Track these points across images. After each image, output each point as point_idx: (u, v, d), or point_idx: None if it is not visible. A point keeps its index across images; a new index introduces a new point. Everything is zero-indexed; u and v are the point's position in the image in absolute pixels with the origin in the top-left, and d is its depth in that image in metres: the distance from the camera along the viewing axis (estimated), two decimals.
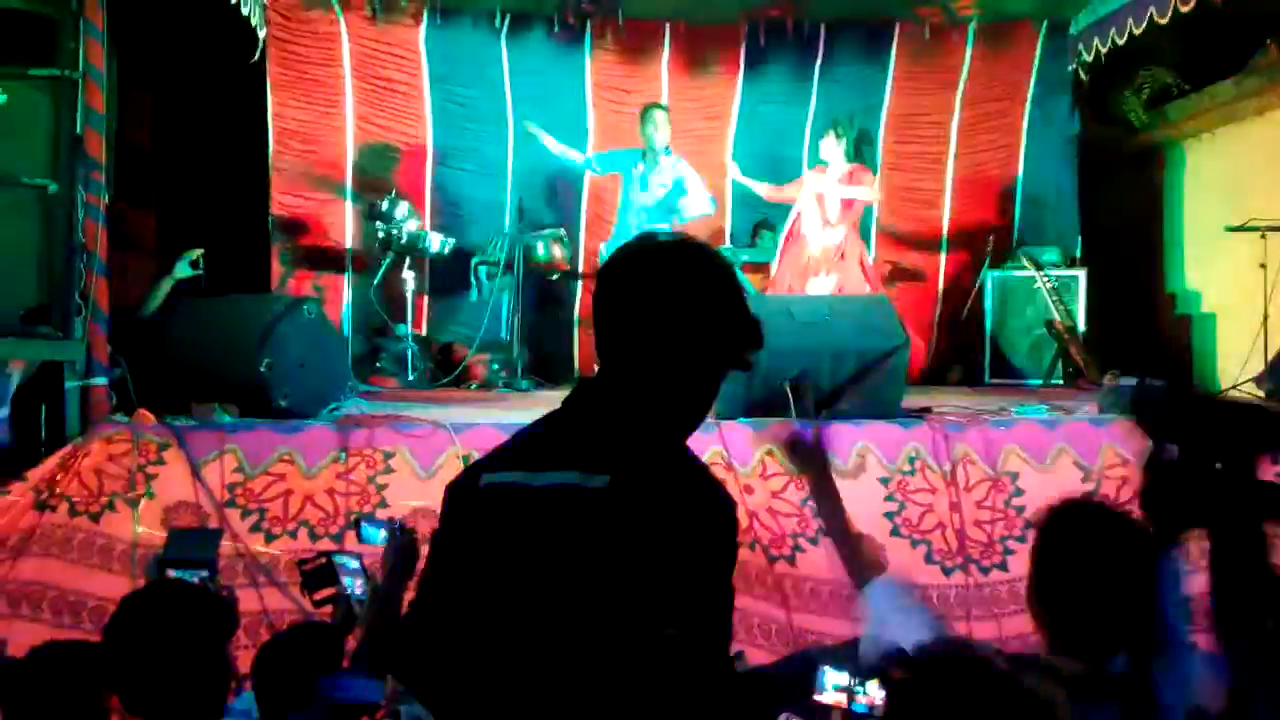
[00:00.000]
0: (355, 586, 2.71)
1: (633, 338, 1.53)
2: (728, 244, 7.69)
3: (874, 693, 1.70)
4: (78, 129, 4.34)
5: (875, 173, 7.47)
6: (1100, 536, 1.92)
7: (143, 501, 3.97)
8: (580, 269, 7.70)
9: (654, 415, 1.51)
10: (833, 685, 1.74)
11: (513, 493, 1.50)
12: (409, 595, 2.58)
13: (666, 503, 1.42)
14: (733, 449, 4.30)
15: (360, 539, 2.74)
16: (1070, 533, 1.95)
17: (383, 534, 2.63)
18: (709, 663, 1.41)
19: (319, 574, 2.80)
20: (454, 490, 1.62)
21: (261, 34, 6.89)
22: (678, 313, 1.51)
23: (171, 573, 2.68)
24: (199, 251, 5.48)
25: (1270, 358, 5.67)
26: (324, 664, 2.46)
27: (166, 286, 5.42)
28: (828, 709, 1.76)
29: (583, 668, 1.40)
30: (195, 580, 2.71)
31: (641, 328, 1.51)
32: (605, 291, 1.56)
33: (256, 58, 7.01)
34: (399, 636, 1.64)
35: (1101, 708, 1.82)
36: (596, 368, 1.62)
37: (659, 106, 6.87)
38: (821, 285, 6.45)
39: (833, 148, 6.58)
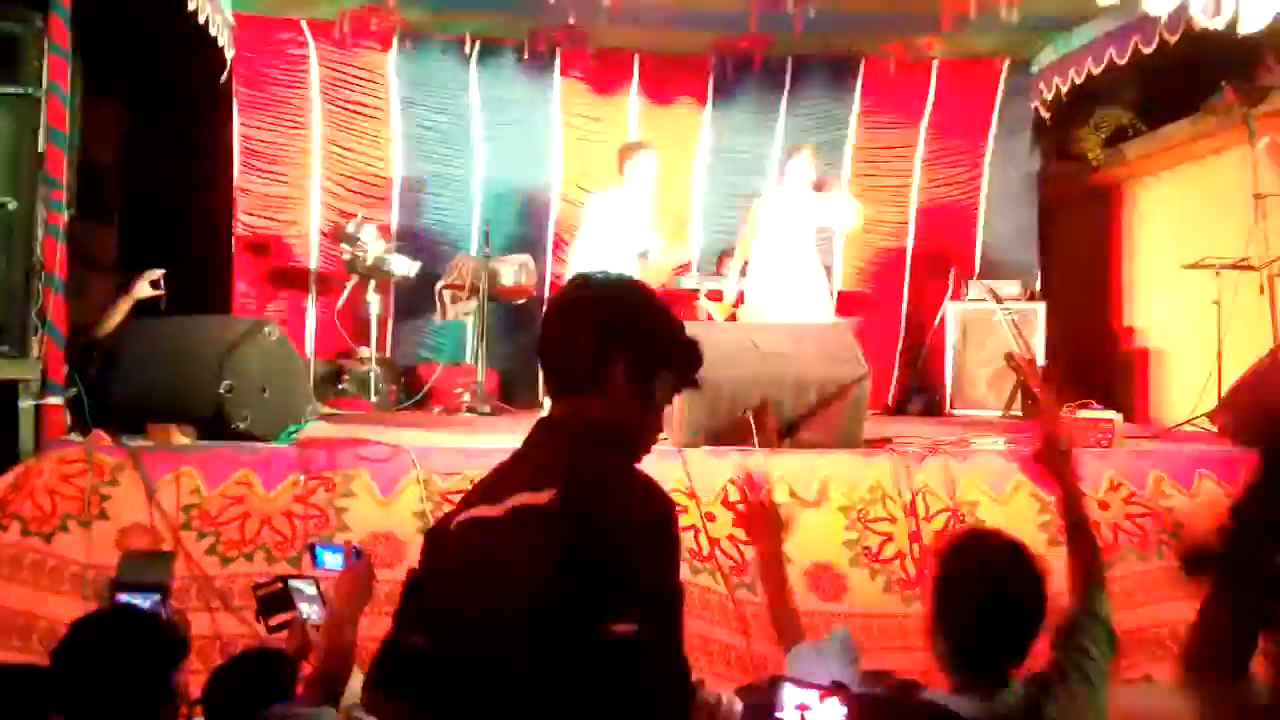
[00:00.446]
0: (311, 612, 2.68)
1: (576, 363, 1.67)
2: (693, 273, 7.72)
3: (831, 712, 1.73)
4: (39, 146, 4.31)
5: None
6: (990, 565, 2.03)
7: (96, 523, 3.91)
8: (546, 294, 7.71)
9: (593, 437, 1.64)
10: (793, 703, 1.77)
11: (477, 524, 1.63)
12: (364, 620, 2.58)
13: (605, 508, 1.54)
14: (695, 477, 4.31)
15: (315, 564, 2.71)
16: (963, 562, 2.06)
17: (339, 559, 2.60)
18: (661, 657, 1.53)
19: (274, 599, 2.77)
20: (431, 534, 1.79)
21: (229, 54, 6.87)
22: (616, 334, 1.66)
23: (123, 596, 2.64)
24: (160, 271, 5.43)
25: (1223, 393, 5.77)
26: (275, 690, 2.43)
27: (126, 305, 5.35)
28: None
29: (546, 671, 1.50)
30: (148, 604, 2.67)
31: (583, 352, 1.66)
32: (551, 325, 1.72)
33: (224, 78, 6.99)
34: (398, 668, 1.72)
35: None
36: (556, 397, 1.74)
37: None
38: (790, 311, 6.38)
39: (804, 168, 6.41)
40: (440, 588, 1.68)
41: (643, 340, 1.68)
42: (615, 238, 6.16)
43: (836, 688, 1.77)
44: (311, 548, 2.76)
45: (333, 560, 2.62)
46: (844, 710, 1.73)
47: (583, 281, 1.78)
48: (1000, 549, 2.05)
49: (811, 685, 1.78)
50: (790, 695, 1.77)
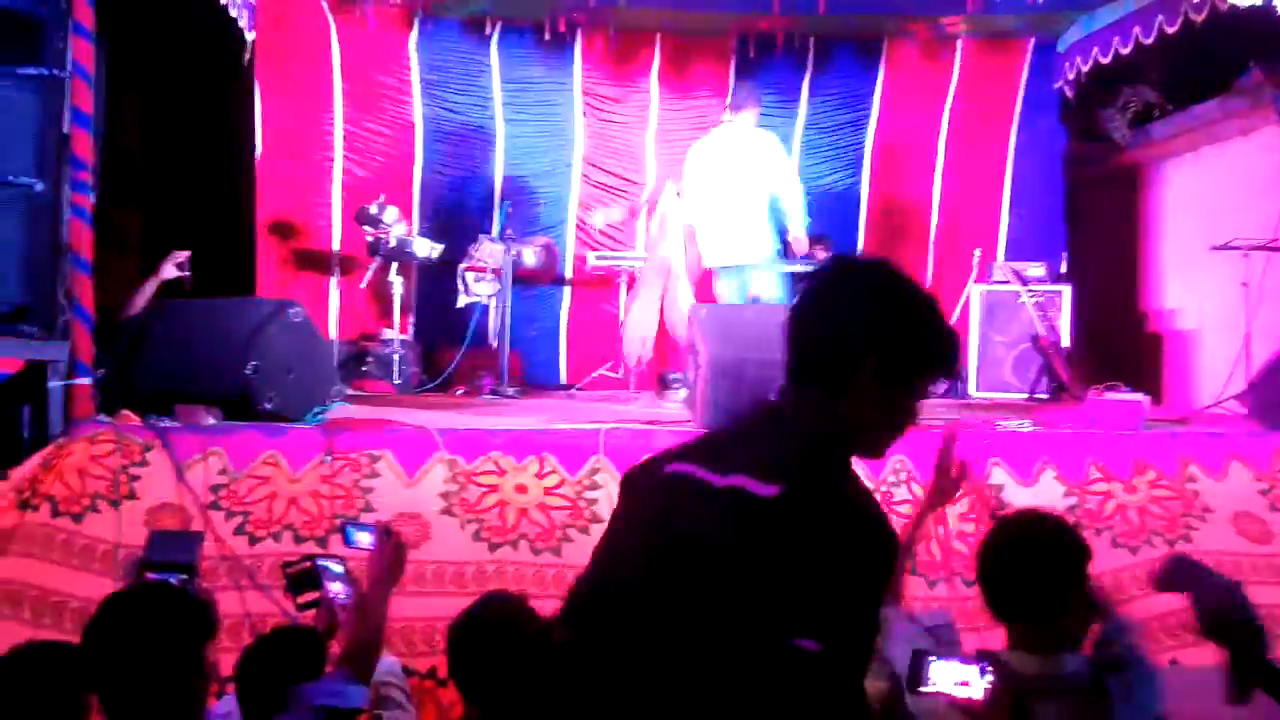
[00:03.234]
0: (340, 591, 2.70)
1: (821, 355, 1.57)
2: None
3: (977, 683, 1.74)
4: (65, 129, 4.32)
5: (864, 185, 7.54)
6: (1040, 536, 2.12)
7: (125, 503, 3.94)
8: (568, 276, 7.71)
9: (832, 433, 1.55)
10: (950, 680, 1.77)
11: (691, 483, 1.55)
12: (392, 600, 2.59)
13: (830, 521, 1.44)
14: None
15: (346, 542, 2.73)
16: (1015, 533, 2.16)
17: (370, 538, 2.62)
18: (840, 683, 1.44)
19: (303, 577, 2.79)
20: (633, 473, 1.69)
21: (250, 37, 6.88)
22: (868, 334, 1.55)
23: (152, 576, 2.66)
24: (185, 253, 5.46)
25: (1251, 376, 5.72)
26: (306, 667, 2.45)
27: (152, 287, 5.40)
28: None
29: (717, 664, 1.43)
30: (176, 584, 2.69)
31: (830, 347, 1.56)
32: (801, 310, 1.61)
33: (246, 60, 7.00)
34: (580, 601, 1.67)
35: (1048, 704, 1.87)
36: (792, 384, 1.63)
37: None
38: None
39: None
40: (640, 532, 1.60)
41: (898, 342, 1.56)
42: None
43: (986, 658, 1.76)
44: (343, 527, 2.78)
45: (364, 540, 2.64)
46: (992, 682, 1.71)
47: (845, 266, 1.67)
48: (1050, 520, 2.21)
49: (966, 659, 1.77)
50: (942, 670, 1.75)
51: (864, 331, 1.55)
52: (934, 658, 1.77)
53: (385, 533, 2.60)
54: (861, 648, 1.47)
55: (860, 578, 1.44)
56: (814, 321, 1.59)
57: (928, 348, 1.59)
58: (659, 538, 1.54)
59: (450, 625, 2.49)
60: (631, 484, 1.68)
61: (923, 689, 1.75)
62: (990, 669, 1.72)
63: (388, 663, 2.62)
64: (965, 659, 1.77)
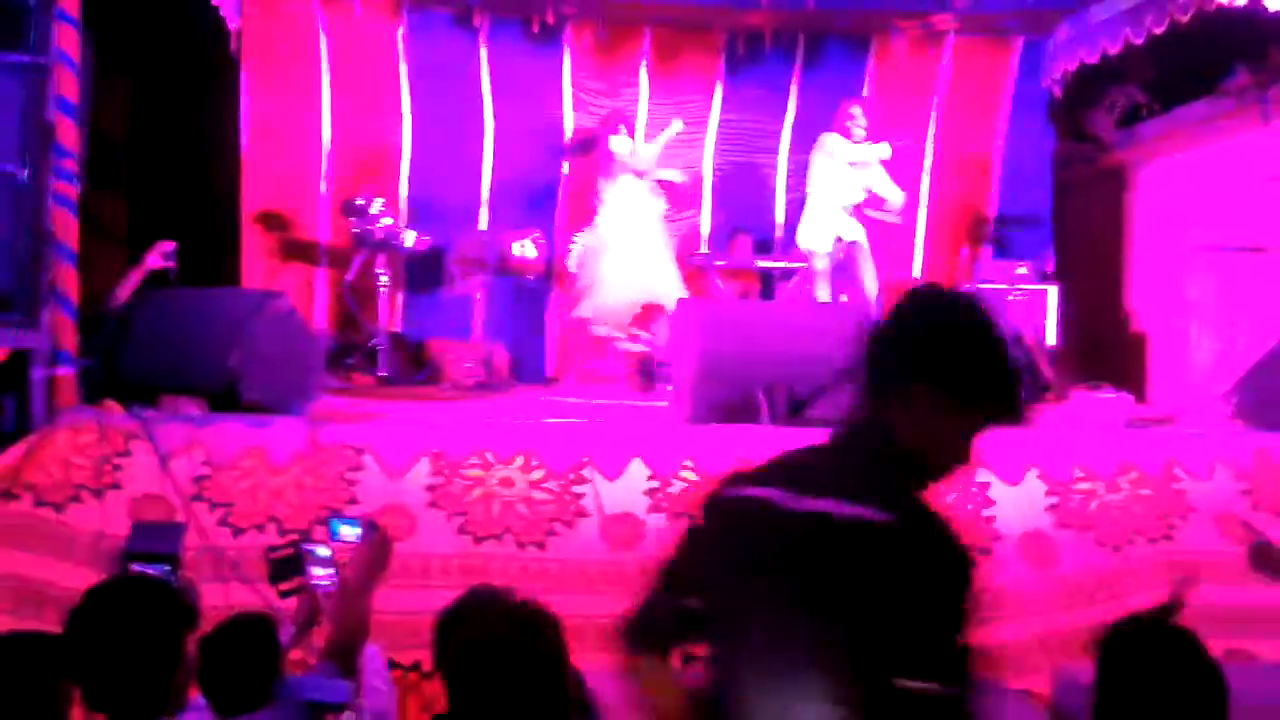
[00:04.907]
0: (323, 577, 2.68)
1: (882, 379, 1.58)
2: (703, 249, 7.71)
3: None
4: (49, 116, 4.29)
5: None
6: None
7: (108, 493, 3.92)
8: (555, 270, 7.70)
9: (916, 460, 1.54)
10: None
11: (774, 509, 1.54)
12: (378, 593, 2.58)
13: (933, 550, 1.44)
14: (704, 454, 4.31)
15: (331, 536, 2.71)
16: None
17: (356, 531, 2.61)
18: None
19: (286, 564, 2.77)
20: (713, 496, 1.69)
21: (234, 26, 6.83)
22: (922, 363, 1.55)
23: (134, 566, 2.65)
24: (171, 243, 5.43)
25: (1237, 376, 5.75)
26: (264, 654, 2.44)
27: (137, 277, 5.36)
28: None
29: (818, 695, 1.42)
30: (158, 574, 2.67)
31: (921, 376, 1.54)
32: (875, 332, 1.61)
33: (232, 50, 6.96)
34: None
35: None
36: (863, 405, 1.63)
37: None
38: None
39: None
40: (720, 555, 1.60)
41: (951, 375, 1.54)
42: None
43: None
44: (328, 521, 2.76)
45: (349, 533, 2.62)
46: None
47: (922, 294, 1.65)
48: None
49: None
50: None
51: (918, 360, 1.55)
52: None
53: (371, 526, 2.59)
54: (965, 684, 1.44)
55: (955, 608, 1.43)
56: (880, 345, 1.60)
57: (982, 385, 1.56)
58: (743, 562, 1.55)
59: (436, 617, 2.49)
60: (711, 507, 1.68)
61: None
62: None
63: (369, 651, 2.61)
64: None
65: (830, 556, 1.46)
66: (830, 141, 6.73)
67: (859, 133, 6.72)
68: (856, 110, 6.75)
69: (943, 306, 1.61)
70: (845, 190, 6.73)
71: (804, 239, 6.82)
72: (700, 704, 1.66)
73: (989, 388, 1.56)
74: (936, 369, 1.54)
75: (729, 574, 1.58)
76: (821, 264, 6.71)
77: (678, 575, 1.70)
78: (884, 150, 6.76)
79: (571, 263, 6.84)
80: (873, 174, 6.81)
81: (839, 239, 6.71)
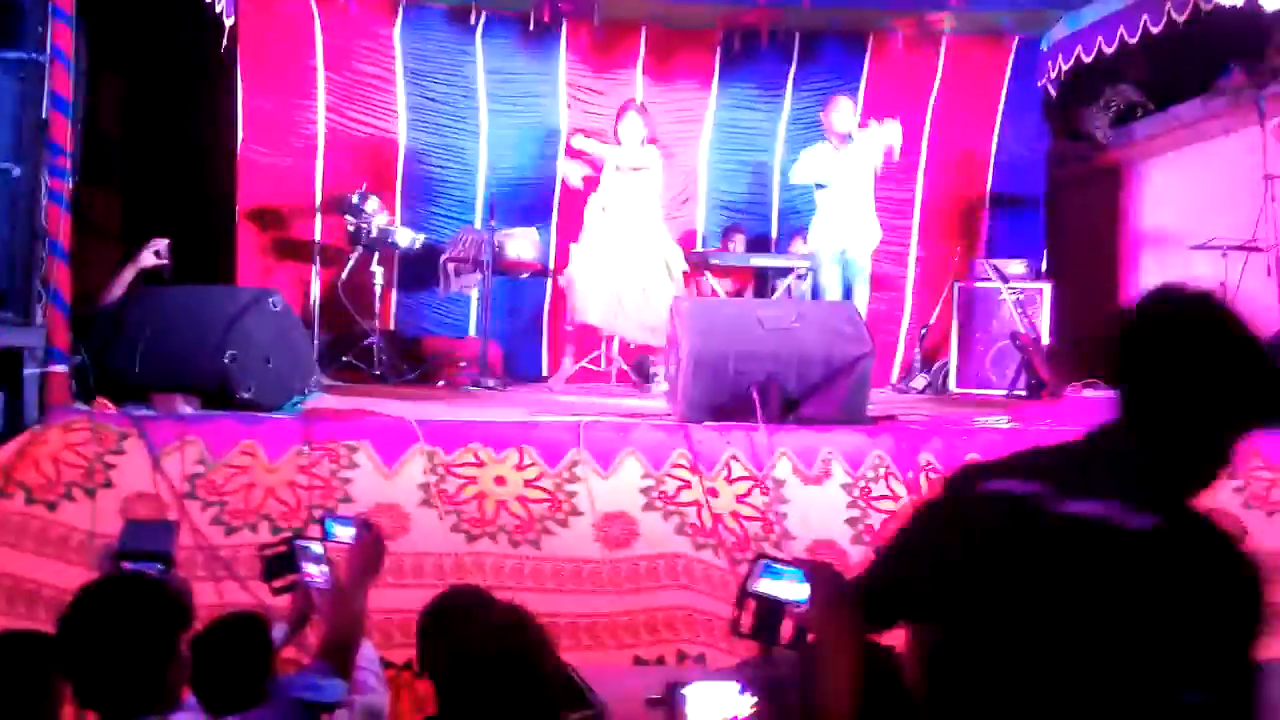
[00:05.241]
0: (316, 574, 2.68)
1: (1177, 392, 1.49)
2: (699, 247, 7.70)
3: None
4: (43, 113, 4.28)
5: None
6: None
7: (101, 491, 3.92)
8: (550, 268, 7.70)
9: (1180, 465, 1.49)
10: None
11: (1032, 507, 1.48)
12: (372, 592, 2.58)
13: (1209, 556, 1.38)
14: (698, 452, 4.32)
15: (325, 536, 2.70)
16: None
17: (350, 531, 2.60)
18: None
19: (280, 560, 2.77)
20: (954, 484, 1.63)
21: (228, 22, 6.81)
22: (1224, 370, 1.49)
23: (126, 565, 2.64)
24: (165, 241, 5.42)
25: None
26: (255, 653, 2.45)
27: (131, 274, 5.35)
28: None
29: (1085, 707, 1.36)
30: (152, 573, 2.67)
31: (1187, 384, 1.48)
32: (1155, 340, 1.54)
33: (226, 46, 6.94)
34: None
35: None
36: (1122, 407, 1.57)
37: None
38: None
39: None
40: (963, 549, 1.53)
41: (1215, 380, 1.48)
42: None
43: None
44: (322, 520, 2.75)
45: (343, 533, 2.62)
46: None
47: (1165, 297, 1.58)
48: None
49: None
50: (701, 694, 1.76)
51: (1178, 364, 1.49)
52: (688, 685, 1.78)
53: (365, 526, 2.59)
54: (1251, 699, 1.36)
55: (1242, 618, 1.36)
56: (1136, 348, 1.55)
57: (1247, 387, 1.50)
58: (992, 557, 1.49)
59: (419, 618, 2.50)
60: (955, 495, 1.63)
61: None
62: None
63: (364, 649, 2.62)
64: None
65: (1097, 561, 1.40)
66: (811, 154, 6.74)
67: (844, 127, 6.67)
68: (834, 114, 6.73)
69: (1182, 308, 1.55)
70: (843, 196, 6.68)
71: (809, 240, 6.88)
72: (892, 691, 1.62)
73: (1254, 389, 1.50)
74: (1198, 373, 1.48)
75: (973, 566, 1.50)
76: (820, 266, 6.71)
77: (910, 555, 1.63)
78: (888, 133, 6.68)
79: (564, 280, 6.80)
80: (869, 159, 6.72)
81: (843, 249, 6.70)
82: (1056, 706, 1.40)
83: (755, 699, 1.68)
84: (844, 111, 6.73)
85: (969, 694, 1.50)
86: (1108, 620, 1.37)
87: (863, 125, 6.79)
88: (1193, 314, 1.53)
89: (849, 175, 6.67)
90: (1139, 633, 1.35)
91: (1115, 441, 1.53)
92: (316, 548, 2.70)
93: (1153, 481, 1.45)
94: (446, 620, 2.49)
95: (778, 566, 1.87)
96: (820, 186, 6.74)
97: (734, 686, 1.70)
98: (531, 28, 7.57)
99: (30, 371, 4.18)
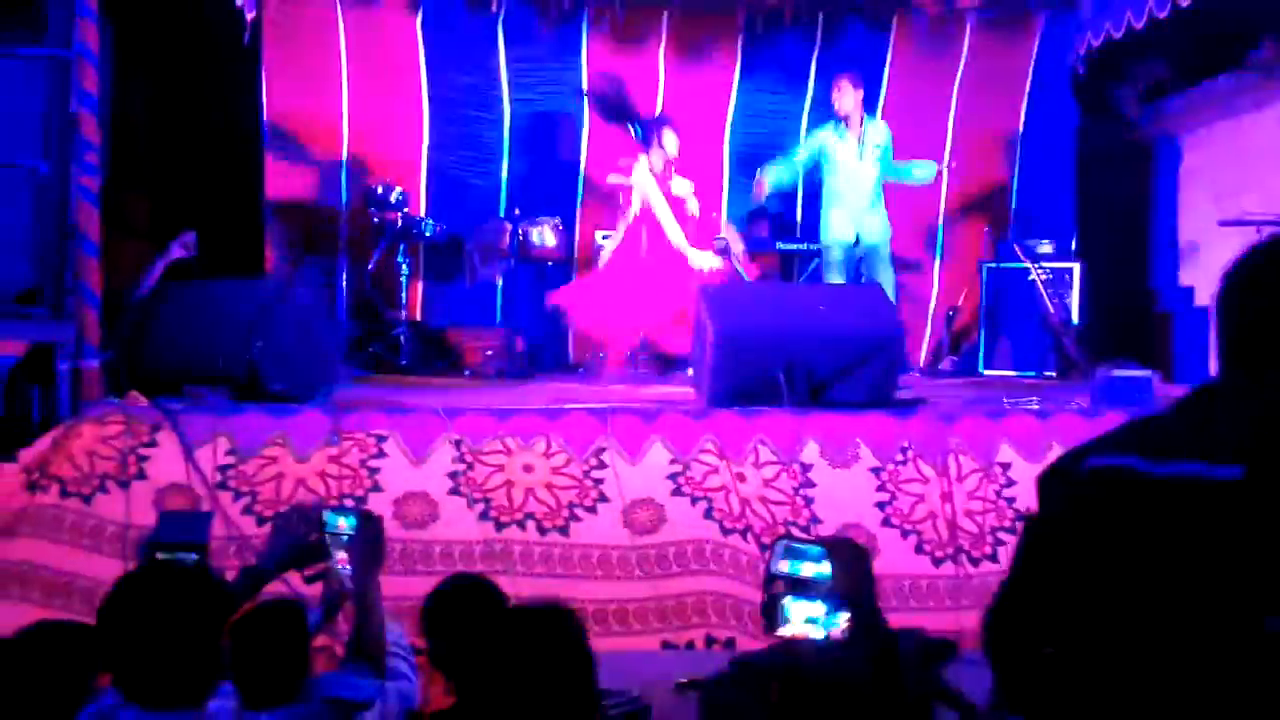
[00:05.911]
0: (346, 562, 2.68)
1: (1249, 336, 1.47)
2: (722, 232, 7.67)
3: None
4: (71, 109, 4.32)
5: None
6: None
7: (134, 483, 3.96)
8: (576, 257, 7.70)
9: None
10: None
11: (1127, 478, 1.46)
12: (393, 580, 2.60)
13: None
14: (725, 437, 4.31)
15: (326, 529, 2.70)
16: None
17: (351, 521, 2.59)
18: None
19: (310, 549, 2.78)
20: (1055, 472, 1.59)
21: (249, 16, 6.84)
22: None
23: (161, 555, 2.67)
24: (191, 234, 5.46)
25: None
26: (293, 641, 2.46)
27: (160, 268, 5.40)
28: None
29: (1204, 666, 1.36)
30: (187, 564, 2.69)
31: (1257, 327, 1.46)
32: (1233, 288, 1.52)
33: (250, 41, 6.97)
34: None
35: None
36: (1219, 368, 1.55)
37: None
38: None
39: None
40: (1073, 542, 1.50)
41: None
42: None
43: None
44: (319, 513, 2.73)
45: (344, 525, 2.62)
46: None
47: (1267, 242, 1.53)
48: None
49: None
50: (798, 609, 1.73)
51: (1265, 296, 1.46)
52: (789, 597, 1.76)
53: (365, 517, 2.59)
54: None
55: None
56: (1244, 300, 1.51)
57: None
58: (1105, 540, 1.46)
59: (422, 612, 2.51)
60: (1050, 485, 1.59)
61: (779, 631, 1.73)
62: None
63: (393, 632, 2.63)
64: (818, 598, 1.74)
65: (1188, 518, 1.38)
66: (813, 137, 6.67)
67: (843, 107, 6.57)
68: (833, 94, 6.63)
69: None
70: (853, 186, 6.60)
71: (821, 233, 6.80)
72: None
73: None
74: None
75: (1088, 546, 1.47)
76: (836, 257, 6.64)
77: (1032, 565, 1.58)
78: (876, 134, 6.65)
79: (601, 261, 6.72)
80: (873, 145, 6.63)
81: (857, 239, 6.63)
82: (1155, 656, 1.40)
83: (849, 615, 1.65)
84: (843, 91, 6.59)
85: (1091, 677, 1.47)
86: (1201, 571, 1.36)
87: (885, 117, 6.72)
88: None
89: (852, 160, 6.57)
90: (1227, 575, 1.34)
91: (1206, 401, 1.51)
92: (346, 535, 2.71)
93: (1241, 432, 1.42)
94: (459, 613, 2.50)
95: (797, 546, 1.87)
96: (819, 173, 6.64)
97: (825, 605, 1.70)
98: (553, 14, 7.55)
99: (63, 366, 4.24)
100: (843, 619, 1.66)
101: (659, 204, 6.38)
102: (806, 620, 1.71)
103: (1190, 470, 1.39)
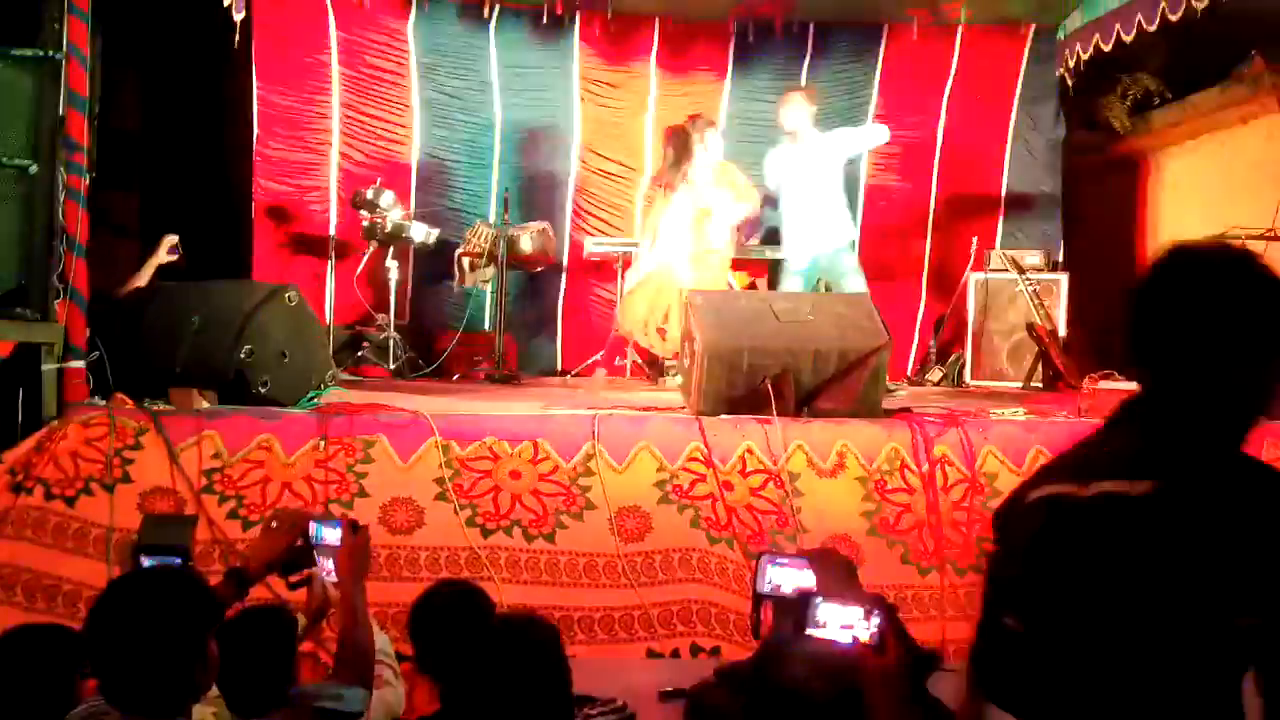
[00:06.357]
0: (332, 569, 2.68)
1: (1188, 347, 1.51)
2: None
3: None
4: (60, 110, 4.31)
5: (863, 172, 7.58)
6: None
7: (119, 486, 3.94)
8: (564, 262, 7.70)
9: (1204, 421, 1.49)
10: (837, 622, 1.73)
11: (1060, 505, 1.53)
12: (380, 586, 2.59)
13: (1219, 501, 1.41)
14: (713, 445, 4.31)
15: (314, 540, 2.69)
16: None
17: (337, 534, 2.58)
18: None
19: (296, 554, 2.77)
20: (1005, 508, 1.66)
21: (238, 17, 6.82)
22: (1239, 320, 1.50)
23: (145, 559, 2.65)
24: (175, 236, 5.45)
25: None
26: (279, 647, 2.45)
27: (147, 270, 5.39)
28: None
29: (1154, 670, 1.41)
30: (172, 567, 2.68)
31: (1199, 337, 1.50)
32: (1157, 301, 1.56)
33: (241, 42, 6.96)
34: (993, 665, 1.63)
35: None
36: (1138, 380, 1.59)
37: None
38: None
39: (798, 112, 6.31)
40: (1026, 565, 1.56)
41: (1238, 328, 1.49)
42: None
43: (876, 602, 1.72)
44: (308, 524, 2.72)
45: (331, 535, 2.61)
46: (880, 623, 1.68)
47: (1184, 254, 1.59)
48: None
49: (853, 602, 1.72)
50: (830, 613, 1.71)
51: (1239, 320, 1.49)
52: (821, 599, 1.74)
53: (352, 527, 2.58)
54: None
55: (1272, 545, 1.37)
56: (1144, 315, 1.57)
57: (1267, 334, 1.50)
58: (1049, 567, 1.52)
59: (409, 617, 2.51)
60: (1003, 521, 1.66)
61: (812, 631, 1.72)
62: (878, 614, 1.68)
63: (380, 642, 2.62)
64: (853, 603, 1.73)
65: (1118, 534, 1.44)
66: (770, 156, 6.51)
67: (789, 124, 6.36)
68: (780, 109, 6.43)
69: (1208, 260, 1.57)
70: (803, 197, 6.40)
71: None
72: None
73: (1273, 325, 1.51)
74: (1219, 309, 1.49)
75: (1037, 576, 1.54)
76: (794, 274, 6.47)
77: (994, 593, 1.64)
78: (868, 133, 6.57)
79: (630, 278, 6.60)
80: (828, 157, 6.40)
81: (814, 256, 6.40)
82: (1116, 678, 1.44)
83: (880, 620, 1.67)
84: (789, 106, 6.37)
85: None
86: (1144, 584, 1.42)
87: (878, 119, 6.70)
88: (1210, 256, 1.57)
89: (806, 175, 6.34)
90: (1156, 583, 1.40)
91: (1129, 417, 1.57)
92: (331, 541, 2.70)
93: (1158, 447, 1.48)
94: (445, 619, 2.50)
95: (781, 563, 1.87)
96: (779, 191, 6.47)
97: (859, 611, 1.69)
98: (545, 21, 7.56)
99: (48, 367, 4.21)
100: (875, 623, 1.66)
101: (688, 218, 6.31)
102: (841, 626, 1.71)
103: (1112, 492, 1.47)
